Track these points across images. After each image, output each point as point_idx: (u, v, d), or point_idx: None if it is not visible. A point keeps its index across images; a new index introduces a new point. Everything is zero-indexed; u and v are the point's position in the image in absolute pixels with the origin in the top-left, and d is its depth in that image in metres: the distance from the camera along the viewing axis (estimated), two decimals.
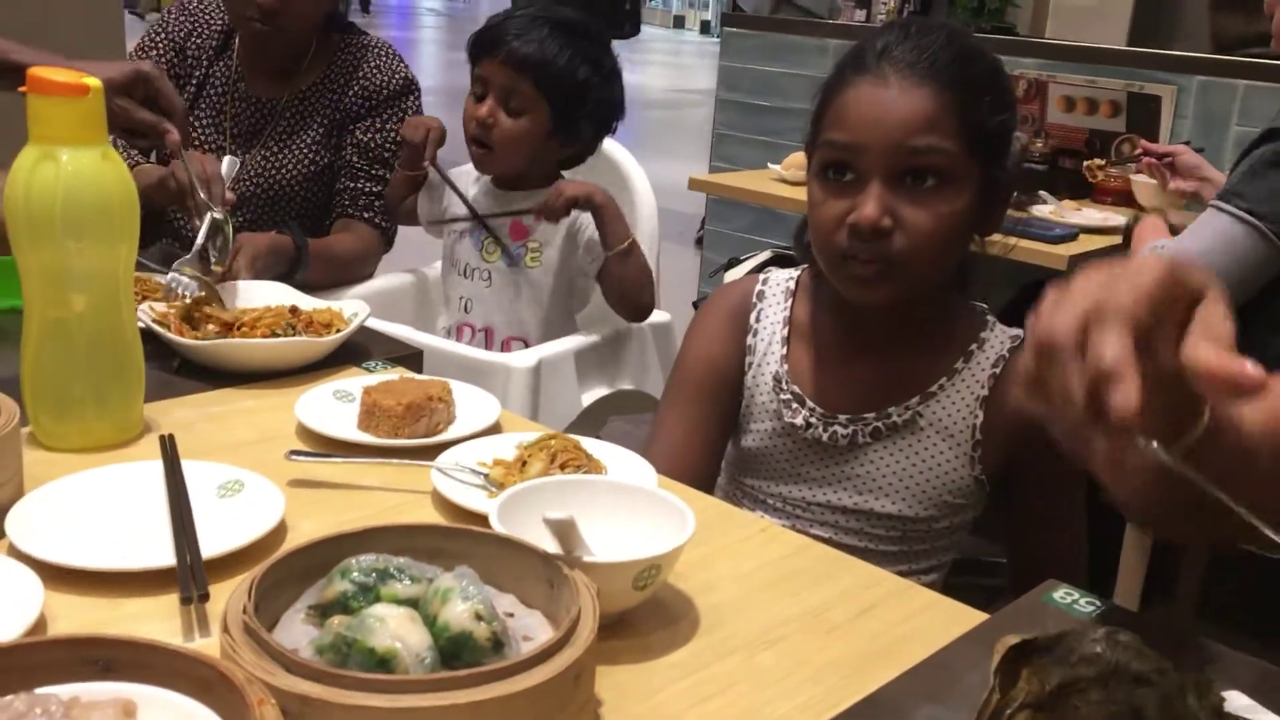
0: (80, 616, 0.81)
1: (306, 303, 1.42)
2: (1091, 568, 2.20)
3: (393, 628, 0.67)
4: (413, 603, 0.72)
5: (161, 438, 1.05)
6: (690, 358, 1.32)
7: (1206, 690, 0.70)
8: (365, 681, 0.63)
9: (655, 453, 1.25)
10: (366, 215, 1.98)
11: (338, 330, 1.34)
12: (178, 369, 1.27)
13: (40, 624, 0.78)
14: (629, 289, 1.78)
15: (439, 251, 2.06)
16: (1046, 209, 2.52)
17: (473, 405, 1.20)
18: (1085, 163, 2.71)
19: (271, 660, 0.64)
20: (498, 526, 0.83)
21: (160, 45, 2.01)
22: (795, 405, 1.23)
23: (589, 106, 1.83)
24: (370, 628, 0.67)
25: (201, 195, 1.46)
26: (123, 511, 0.94)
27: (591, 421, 1.81)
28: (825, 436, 1.22)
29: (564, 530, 0.76)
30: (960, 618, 0.89)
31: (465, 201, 1.90)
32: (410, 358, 1.42)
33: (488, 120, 1.80)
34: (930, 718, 0.75)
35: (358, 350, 1.37)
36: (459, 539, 0.79)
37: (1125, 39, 5.22)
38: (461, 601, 0.70)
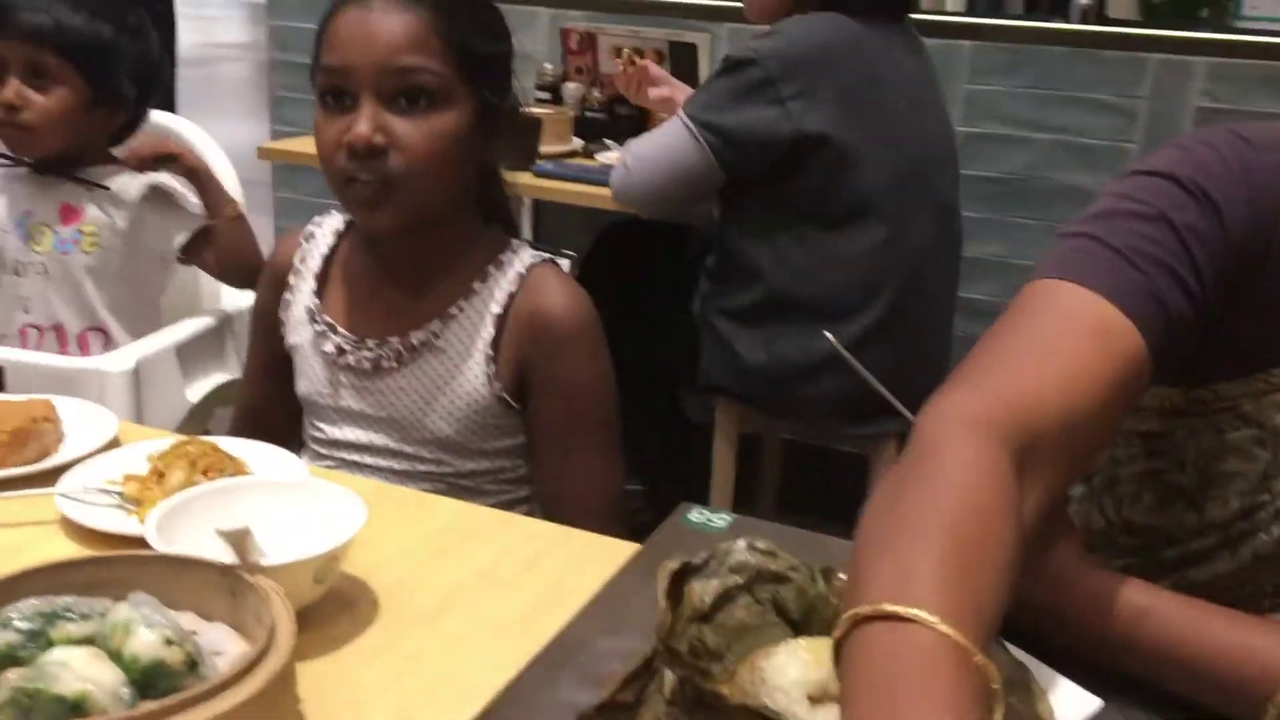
0: None
1: None
2: (683, 478, 2.42)
3: (79, 670, 0.64)
4: (89, 641, 0.68)
5: None
6: (252, 315, 1.36)
7: (831, 576, 0.83)
8: None
9: (237, 418, 1.34)
10: None
11: None
12: None
13: None
14: (245, 255, 1.72)
15: None
16: (612, 155, 2.68)
17: (82, 420, 1.13)
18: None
19: None
20: (159, 545, 0.80)
21: None
22: (329, 334, 1.26)
23: (125, 65, 1.72)
24: (53, 675, 0.64)
25: None
26: None
27: (200, 417, 1.73)
28: (353, 361, 1.25)
29: (239, 540, 0.76)
30: (615, 551, 0.97)
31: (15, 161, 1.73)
32: None
33: (14, 102, 1.65)
34: (609, 647, 0.82)
35: None
36: (119, 566, 0.76)
37: None
38: (146, 629, 0.68)
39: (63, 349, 1.71)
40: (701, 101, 1.99)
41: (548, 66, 2.95)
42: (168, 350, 1.66)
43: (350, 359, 1.24)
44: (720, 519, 1.02)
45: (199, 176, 1.69)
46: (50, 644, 0.68)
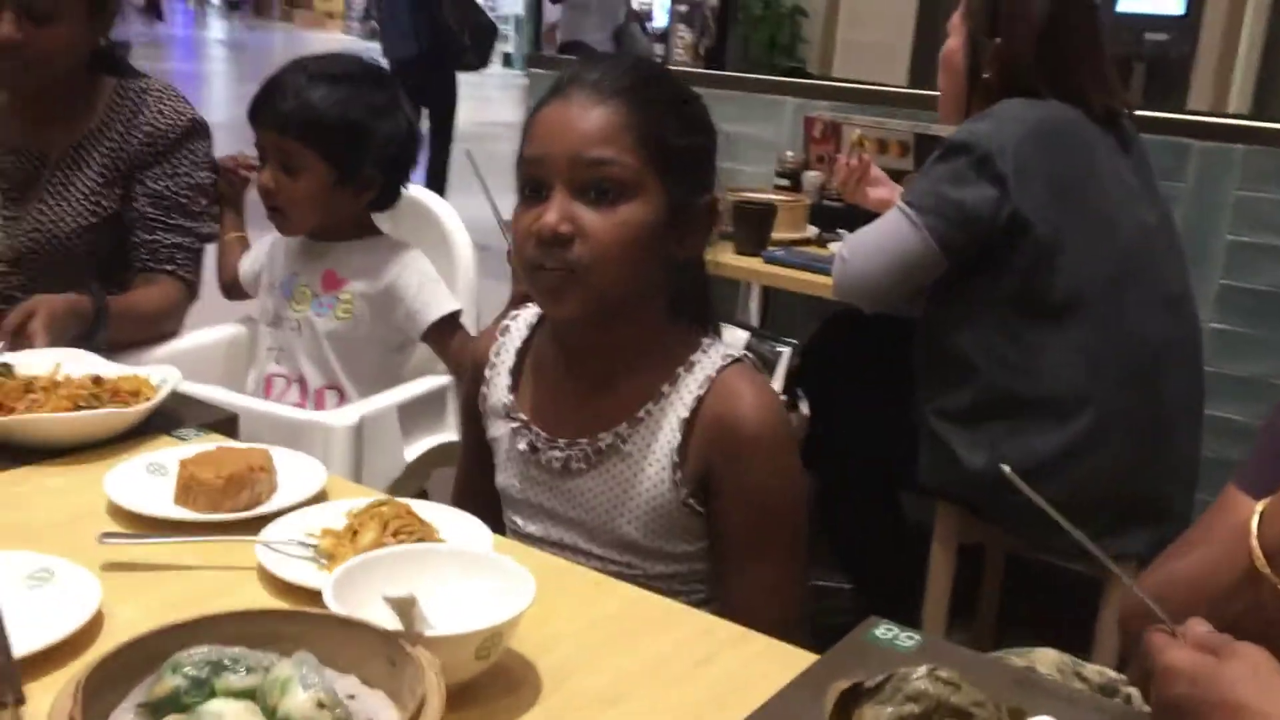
0: None
1: (109, 369, 1.36)
2: (897, 583, 2.31)
3: None
4: (250, 694, 0.70)
5: None
6: (459, 405, 1.39)
7: (1020, 718, 0.75)
8: None
9: (455, 495, 1.34)
10: (169, 268, 1.90)
11: (146, 399, 1.29)
12: None
13: None
14: (461, 362, 1.80)
15: (234, 309, 2.03)
16: None
17: (295, 472, 1.17)
18: None
19: None
20: (334, 605, 0.81)
21: None
22: (523, 431, 1.26)
23: (368, 149, 1.80)
24: None
25: None
26: None
27: (417, 475, 1.79)
28: (544, 460, 1.24)
29: (404, 608, 0.76)
30: (792, 660, 0.93)
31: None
32: (225, 422, 1.38)
33: (270, 187, 1.78)
34: None
35: (168, 418, 1.32)
36: (295, 622, 0.77)
37: (907, 76, 5.52)
38: (302, 690, 0.69)
39: (302, 400, 1.82)
40: (920, 188, 1.95)
41: (789, 154, 2.95)
42: (390, 410, 1.73)
43: (541, 457, 1.24)
44: (908, 638, 0.96)
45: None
46: (214, 693, 0.69)
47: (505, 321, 1.33)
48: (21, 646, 0.82)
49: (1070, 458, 1.89)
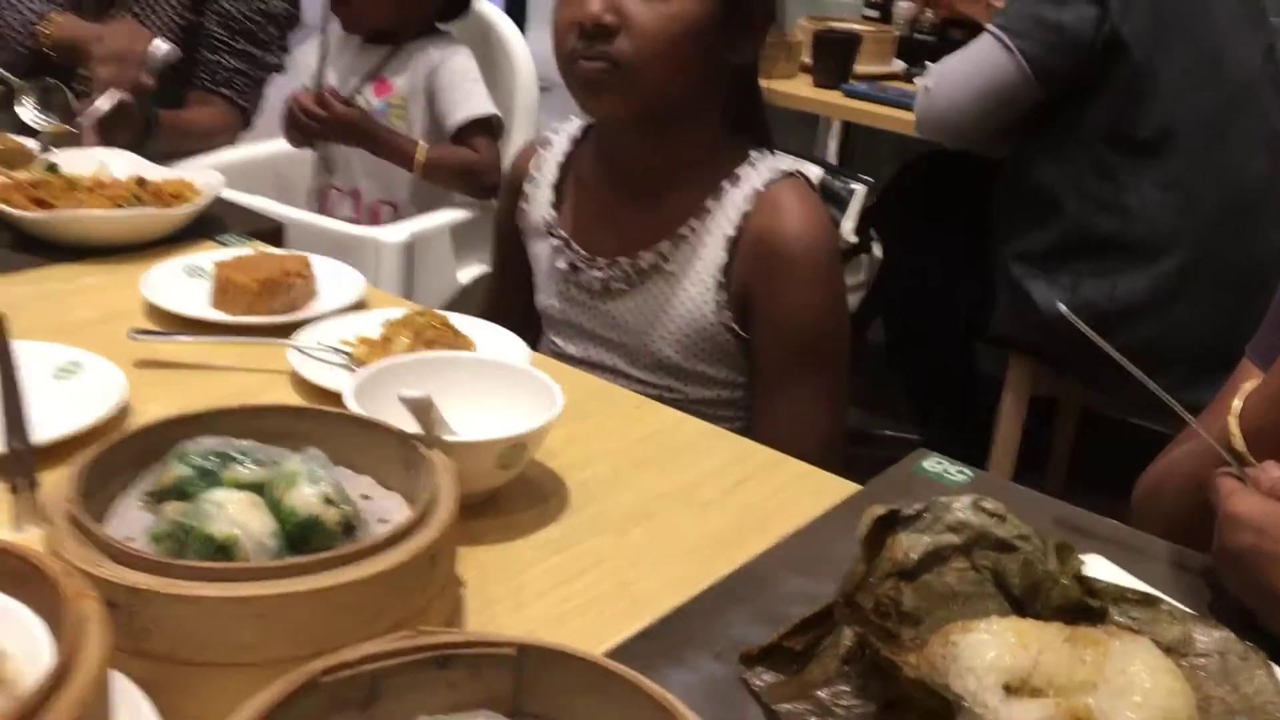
0: None
1: (155, 172, 1.33)
2: (967, 436, 2.26)
3: (232, 513, 0.63)
4: (257, 488, 0.67)
5: None
6: (494, 220, 1.33)
7: (1067, 555, 0.70)
8: (199, 570, 0.59)
9: (481, 316, 1.24)
10: (225, 91, 1.87)
11: (189, 202, 1.26)
12: (13, 244, 1.18)
13: None
14: (452, 186, 1.75)
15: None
16: None
17: (336, 281, 1.14)
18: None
19: (97, 550, 0.60)
20: (353, 405, 0.78)
21: None
22: (563, 249, 1.20)
23: None
24: (208, 514, 0.63)
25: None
26: None
27: (471, 300, 1.76)
28: (583, 280, 1.19)
29: (421, 409, 0.73)
30: (832, 489, 0.89)
31: None
32: (270, 231, 1.35)
33: None
34: (798, 589, 0.74)
35: (212, 223, 1.29)
36: (308, 419, 0.75)
37: None
38: (309, 485, 0.66)
39: (356, 214, 1.78)
40: (1016, 9, 1.81)
41: None
42: (441, 229, 1.68)
43: (581, 277, 1.19)
44: (959, 472, 0.91)
45: (365, 146, 1.72)
46: (219, 483, 0.67)
47: (546, 133, 1.26)
48: (43, 434, 0.81)
49: (1155, 302, 1.80)
